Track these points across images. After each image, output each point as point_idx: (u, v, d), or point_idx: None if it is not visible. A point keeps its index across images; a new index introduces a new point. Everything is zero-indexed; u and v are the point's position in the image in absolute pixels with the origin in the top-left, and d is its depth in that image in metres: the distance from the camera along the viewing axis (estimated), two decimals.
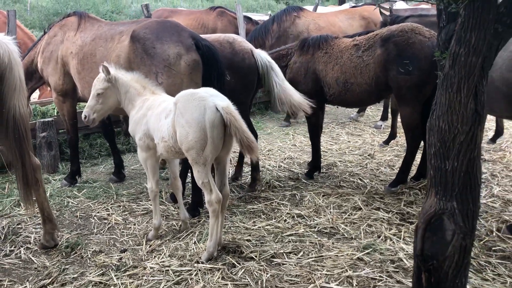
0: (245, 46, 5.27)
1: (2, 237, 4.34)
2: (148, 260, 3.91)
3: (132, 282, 3.58)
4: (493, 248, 3.95)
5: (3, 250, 4.12)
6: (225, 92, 4.08)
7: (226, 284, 3.51)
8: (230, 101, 3.71)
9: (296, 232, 4.30)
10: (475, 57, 2.40)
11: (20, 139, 3.69)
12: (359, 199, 4.97)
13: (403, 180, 5.29)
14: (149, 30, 4.62)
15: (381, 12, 8.14)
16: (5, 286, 3.60)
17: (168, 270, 3.72)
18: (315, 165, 5.81)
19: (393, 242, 4.10)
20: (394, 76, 4.93)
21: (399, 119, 6.29)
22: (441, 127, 2.60)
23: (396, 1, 13.80)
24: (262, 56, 5.28)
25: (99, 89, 4.17)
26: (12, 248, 4.16)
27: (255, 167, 5.43)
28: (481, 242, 4.03)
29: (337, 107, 6.94)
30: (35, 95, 8.24)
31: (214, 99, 3.60)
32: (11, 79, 3.59)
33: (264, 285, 3.50)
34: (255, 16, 12.96)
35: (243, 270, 3.69)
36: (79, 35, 5.21)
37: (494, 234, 4.19)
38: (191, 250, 4.02)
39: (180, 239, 4.24)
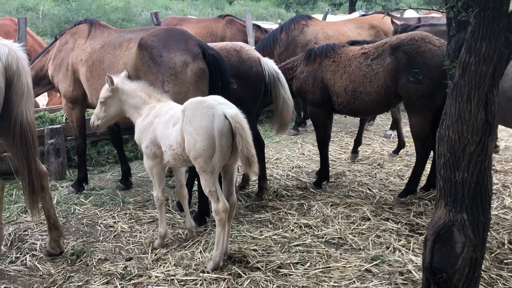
0: (253, 55, 5.22)
1: (8, 244, 4.33)
2: (153, 268, 3.88)
3: None
4: (504, 261, 3.87)
5: (9, 256, 4.12)
6: (231, 101, 4.09)
7: None
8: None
9: (304, 242, 4.25)
10: (486, 66, 2.36)
11: (27, 146, 3.69)
12: (367, 209, 4.91)
13: (413, 190, 5.22)
14: (156, 38, 4.63)
15: (392, 22, 8.12)
16: None
17: (173, 279, 3.69)
18: (323, 174, 5.76)
19: (402, 253, 4.03)
20: (404, 85, 4.88)
21: (405, 128, 6.23)
22: (451, 137, 2.56)
23: (405, 10, 13.76)
24: (270, 65, 5.23)
25: (101, 97, 4.29)
26: (18, 255, 4.15)
27: (262, 176, 5.40)
28: (492, 255, 3.95)
29: (345, 116, 6.90)
30: (44, 101, 8.29)
31: (223, 107, 3.58)
32: (19, 86, 3.61)
33: None
34: (265, 25, 13.00)
35: (249, 280, 3.65)
36: (89, 43, 5.26)
37: (505, 246, 4.11)
38: (196, 259, 3.98)
39: (186, 248, 4.21)
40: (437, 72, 4.70)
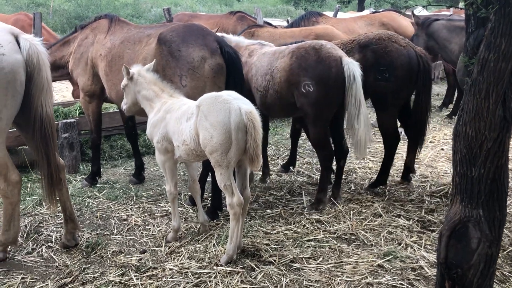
0: (334, 53, 4.66)
1: (25, 236, 4.40)
2: (167, 261, 3.93)
3: (151, 283, 3.60)
4: None
5: (25, 248, 4.18)
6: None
7: None
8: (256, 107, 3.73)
9: (316, 237, 4.28)
10: (505, 63, 2.37)
11: (46, 139, 3.75)
12: (379, 205, 4.93)
13: (383, 181, 5.46)
14: (175, 33, 4.67)
15: (413, 14, 8.27)
16: (27, 283, 3.65)
17: (187, 272, 3.73)
18: None
19: (414, 250, 4.05)
20: (372, 82, 5.03)
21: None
22: (468, 134, 2.58)
23: (416, 7, 13.70)
24: (350, 67, 4.59)
25: (122, 84, 4.39)
26: (34, 246, 4.22)
27: (337, 185, 5.15)
28: (505, 252, 3.96)
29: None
30: (58, 98, 8.37)
31: (238, 102, 3.62)
32: (39, 80, 3.67)
33: None
34: (273, 22, 12.99)
35: (262, 274, 3.68)
36: (108, 38, 5.33)
37: None
38: (210, 252, 4.03)
39: (199, 242, 4.25)
40: (403, 70, 4.96)
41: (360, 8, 25.67)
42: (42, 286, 3.62)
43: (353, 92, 4.60)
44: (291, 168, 6.25)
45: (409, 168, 5.63)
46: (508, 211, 4.70)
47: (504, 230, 4.26)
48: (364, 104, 4.67)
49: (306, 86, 4.64)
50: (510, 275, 3.64)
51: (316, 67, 4.63)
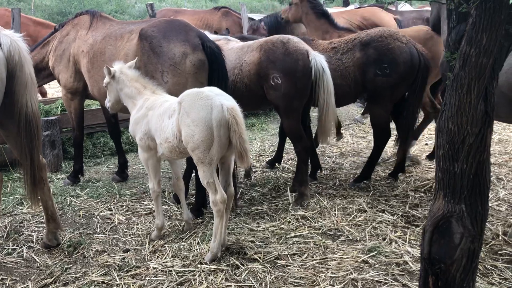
0: (301, 47, 4.86)
1: (5, 236, 4.31)
2: (151, 260, 3.88)
3: (134, 283, 3.55)
4: (499, 252, 3.91)
5: (5, 248, 4.10)
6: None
7: (229, 286, 3.47)
8: (237, 102, 3.69)
9: (300, 233, 4.27)
10: (486, 58, 2.36)
11: (32, 137, 3.69)
12: (363, 201, 4.93)
13: (368, 176, 5.50)
14: (157, 28, 4.62)
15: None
16: (7, 284, 3.58)
17: (171, 270, 3.69)
18: (314, 165, 5.78)
19: (398, 245, 4.06)
20: (371, 78, 5.10)
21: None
22: (450, 129, 2.57)
23: (400, 3, 13.76)
24: (317, 59, 4.83)
25: (104, 83, 4.32)
26: (14, 247, 4.14)
27: (302, 180, 5.11)
28: (487, 246, 3.99)
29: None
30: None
31: (220, 98, 3.58)
32: (22, 77, 3.59)
33: (268, 286, 3.47)
34: (258, 18, 12.93)
35: (247, 271, 3.66)
36: (90, 34, 5.25)
37: (500, 238, 4.15)
38: (194, 250, 3.99)
39: (183, 240, 4.21)
40: (404, 67, 5.06)
41: (345, 3, 25.69)
42: (22, 287, 3.55)
43: (324, 82, 4.83)
44: (276, 164, 6.24)
45: (400, 167, 5.64)
46: (490, 205, 4.77)
47: (487, 224, 4.31)
48: (333, 96, 4.90)
49: (274, 79, 4.79)
50: (493, 268, 3.67)
51: (284, 60, 4.79)
